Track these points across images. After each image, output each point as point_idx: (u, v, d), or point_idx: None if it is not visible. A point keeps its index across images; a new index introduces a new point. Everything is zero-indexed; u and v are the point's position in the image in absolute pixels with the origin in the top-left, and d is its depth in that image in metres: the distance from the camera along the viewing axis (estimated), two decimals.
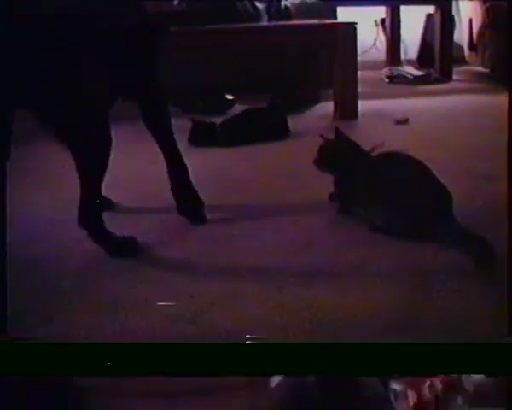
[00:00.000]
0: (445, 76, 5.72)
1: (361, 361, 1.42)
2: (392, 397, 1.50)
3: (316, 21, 4.51)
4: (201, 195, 2.52)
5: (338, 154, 2.48)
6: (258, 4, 4.68)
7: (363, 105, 4.28)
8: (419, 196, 2.24)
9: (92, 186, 2.19)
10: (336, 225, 2.46)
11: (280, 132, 3.80)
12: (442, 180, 2.28)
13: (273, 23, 4.66)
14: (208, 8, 4.43)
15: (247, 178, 3.08)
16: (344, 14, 5.28)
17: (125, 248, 2.24)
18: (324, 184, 2.53)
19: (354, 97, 4.24)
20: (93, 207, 2.20)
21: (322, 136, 2.54)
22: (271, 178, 3.06)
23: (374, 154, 2.44)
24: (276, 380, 1.50)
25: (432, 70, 5.80)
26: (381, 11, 6.37)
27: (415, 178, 2.29)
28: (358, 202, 2.40)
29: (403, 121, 4.12)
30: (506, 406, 1.47)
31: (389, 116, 4.24)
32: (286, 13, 4.82)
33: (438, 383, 1.49)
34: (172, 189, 2.52)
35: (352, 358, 1.42)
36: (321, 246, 2.26)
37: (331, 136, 2.52)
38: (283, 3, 4.86)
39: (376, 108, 4.55)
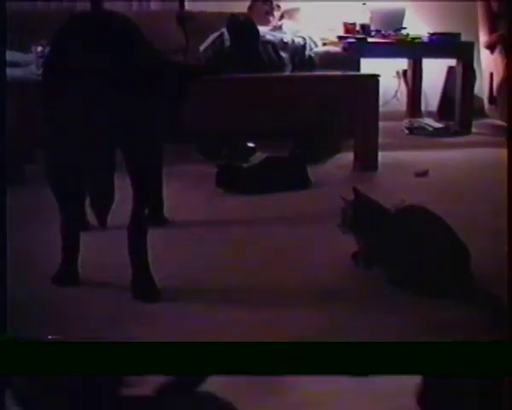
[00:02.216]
0: (465, 129, 5.77)
1: (361, 361, 1.45)
2: None
3: (339, 72, 4.60)
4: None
5: (358, 215, 2.48)
6: (282, 54, 4.76)
7: (383, 156, 4.33)
8: (436, 253, 2.28)
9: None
10: (355, 279, 2.49)
11: (302, 183, 3.85)
12: (460, 235, 2.32)
13: (297, 73, 4.74)
14: (233, 56, 4.52)
15: (268, 228, 3.13)
16: (367, 64, 5.34)
17: (149, 294, 2.25)
18: (345, 239, 2.57)
19: (375, 148, 4.29)
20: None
21: (343, 198, 2.55)
22: (291, 228, 3.11)
23: (393, 210, 2.47)
24: None
25: (451, 123, 5.85)
26: (403, 62, 6.45)
27: (433, 234, 2.33)
28: (379, 258, 2.44)
29: (422, 173, 4.16)
30: (506, 406, 1.49)
31: (409, 168, 4.27)
32: (310, 63, 4.89)
33: None
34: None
35: (352, 358, 1.45)
36: (337, 299, 2.30)
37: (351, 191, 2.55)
38: (307, 53, 4.93)
39: (396, 160, 4.59)
